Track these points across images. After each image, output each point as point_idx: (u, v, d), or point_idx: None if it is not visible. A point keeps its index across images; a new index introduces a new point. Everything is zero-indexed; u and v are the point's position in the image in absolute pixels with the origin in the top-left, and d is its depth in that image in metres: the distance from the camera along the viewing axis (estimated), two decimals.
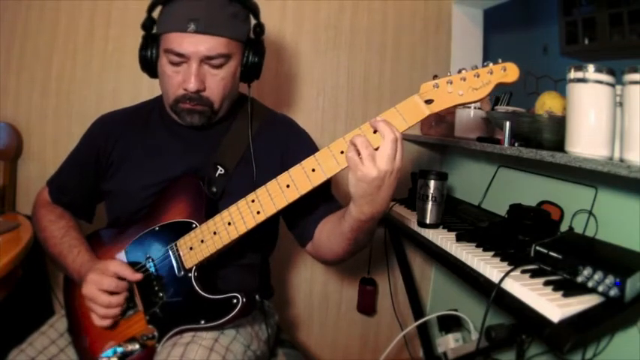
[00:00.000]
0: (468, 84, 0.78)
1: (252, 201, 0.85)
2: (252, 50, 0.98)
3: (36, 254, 1.14)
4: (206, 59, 0.90)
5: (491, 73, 0.78)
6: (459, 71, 0.80)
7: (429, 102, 0.80)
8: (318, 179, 0.81)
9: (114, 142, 1.05)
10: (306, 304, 1.82)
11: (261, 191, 0.85)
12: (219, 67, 0.92)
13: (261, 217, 0.85)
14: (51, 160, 1.49)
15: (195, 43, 0.88)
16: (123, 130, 1.06)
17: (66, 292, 1.03)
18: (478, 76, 0.78)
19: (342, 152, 0.80)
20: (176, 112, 0.97)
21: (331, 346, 1.86)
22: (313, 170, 0.81)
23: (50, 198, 1.09)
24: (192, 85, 0.90)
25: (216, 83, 0.93)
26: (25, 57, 1.48)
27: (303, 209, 0.98)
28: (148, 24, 0.96)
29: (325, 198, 1.01)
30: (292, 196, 0.83)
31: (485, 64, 0.79)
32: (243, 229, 0.86)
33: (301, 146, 1.05)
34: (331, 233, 0.94)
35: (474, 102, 0.81)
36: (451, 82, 0.79)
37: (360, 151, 0.75)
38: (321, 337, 1.85)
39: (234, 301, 0.87)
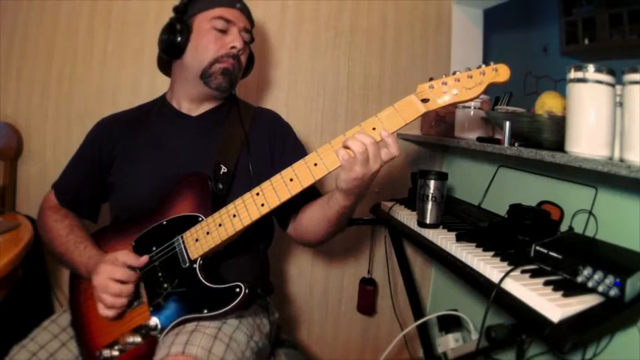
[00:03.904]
0: (461, 84, 0.85)
1: (257, 194, 0.90)
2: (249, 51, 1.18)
3: (36, 254, 1.14)
4: (244, 31, 1.11)
5: (484, 74, 0.84)
6: (454, 73, 0.86)
7: (425, 101, 0.86)
8: (320, 173, 0.87)
9: (116, 139, 1.09)
10: (306, 303, 1.82)
11: (265, 185, 0.90)
12: (247, 43, 1.13)
13: (265, 210, 0.89)
14: (51, 160, 1.50)
15: (240, 17, 1.11)
16: (124, 128, 1.11)
17: (71, 286, 1.04)
18: (471, 77, 0.85)
19: None
20: (208, 75, 1.06)
21: (331, 346, 1.86)
22: (315, 165, 0.87)
23: (56, 199, 1.11)
24: (239, 44, 1.08)
25: (245, 54, 1.13)
26: (25, 57, 1.48)
27: None
28: (181, 8, 1.09)
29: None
30: (295, 189, 0.88)
31: (478, 66, 0.85)
32: (247, 221, 0.90)
33: (286, 133, 1.18)
34: (314, 219, 1.03)
35: (468, 101, 0.87)
36: (445, 83, 0.86)
37: (355, 155, 0.83)
38: (321, 337, 1.85)
39: (237, 290, 0.89)
